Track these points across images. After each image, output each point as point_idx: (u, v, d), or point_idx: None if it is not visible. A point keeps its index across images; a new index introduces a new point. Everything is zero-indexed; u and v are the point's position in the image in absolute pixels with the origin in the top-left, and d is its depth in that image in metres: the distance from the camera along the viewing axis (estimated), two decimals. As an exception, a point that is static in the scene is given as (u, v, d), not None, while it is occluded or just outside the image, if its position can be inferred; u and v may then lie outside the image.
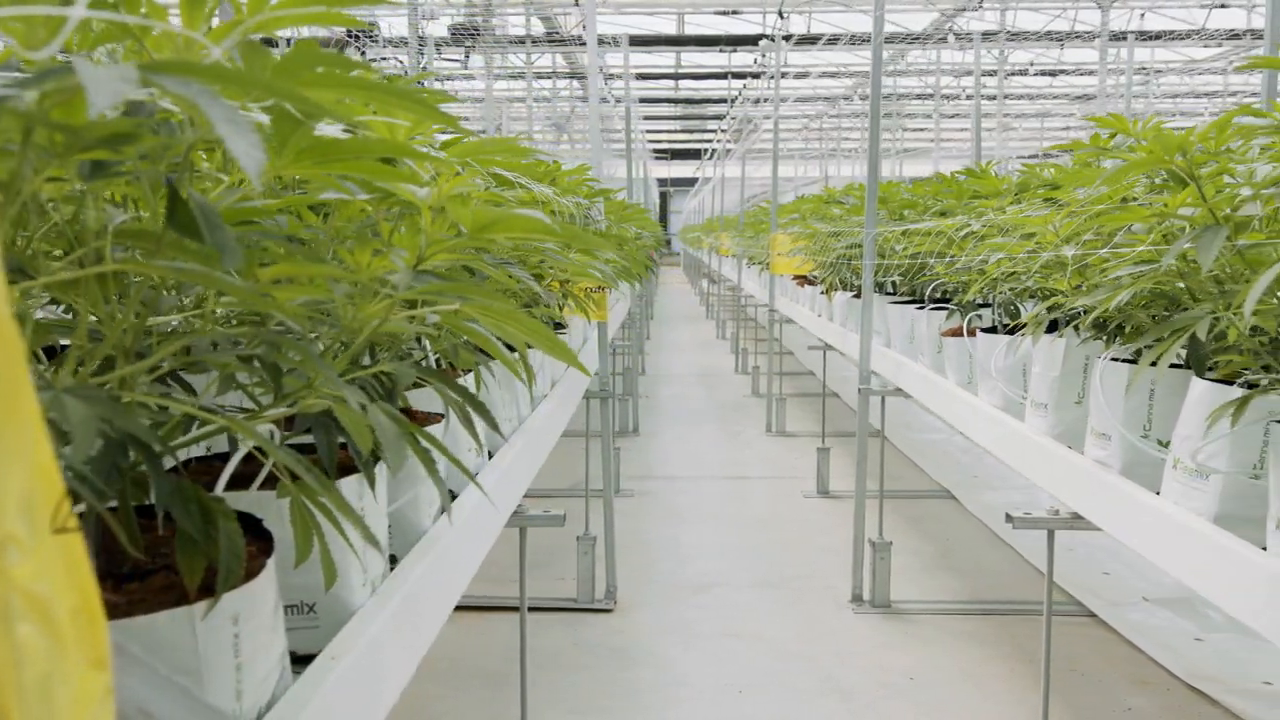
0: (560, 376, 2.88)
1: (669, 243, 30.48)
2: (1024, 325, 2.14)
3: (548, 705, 2.61)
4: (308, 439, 0.95)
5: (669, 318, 14.07)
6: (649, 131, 23.52)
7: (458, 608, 3.49)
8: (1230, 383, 1.47)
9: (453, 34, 8.19)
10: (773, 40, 8.12)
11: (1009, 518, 1.90)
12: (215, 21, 0.76)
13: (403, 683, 1.09)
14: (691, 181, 27.79)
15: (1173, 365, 1.83)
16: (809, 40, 9.67)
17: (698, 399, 7.21)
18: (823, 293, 4.72)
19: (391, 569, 1.24)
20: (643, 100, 18.69)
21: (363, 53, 8.25)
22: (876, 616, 3.18)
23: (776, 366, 6.30)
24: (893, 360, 3.23)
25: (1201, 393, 1.51)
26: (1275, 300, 1.24)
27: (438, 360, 1.76)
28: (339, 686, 0.93)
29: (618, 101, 12.75)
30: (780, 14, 8.69)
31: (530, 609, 3.26)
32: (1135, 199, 1.67)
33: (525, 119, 12.59)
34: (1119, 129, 1.58)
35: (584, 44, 8.96)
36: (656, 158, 25.64)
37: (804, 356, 8.12)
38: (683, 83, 17.80)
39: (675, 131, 23.73)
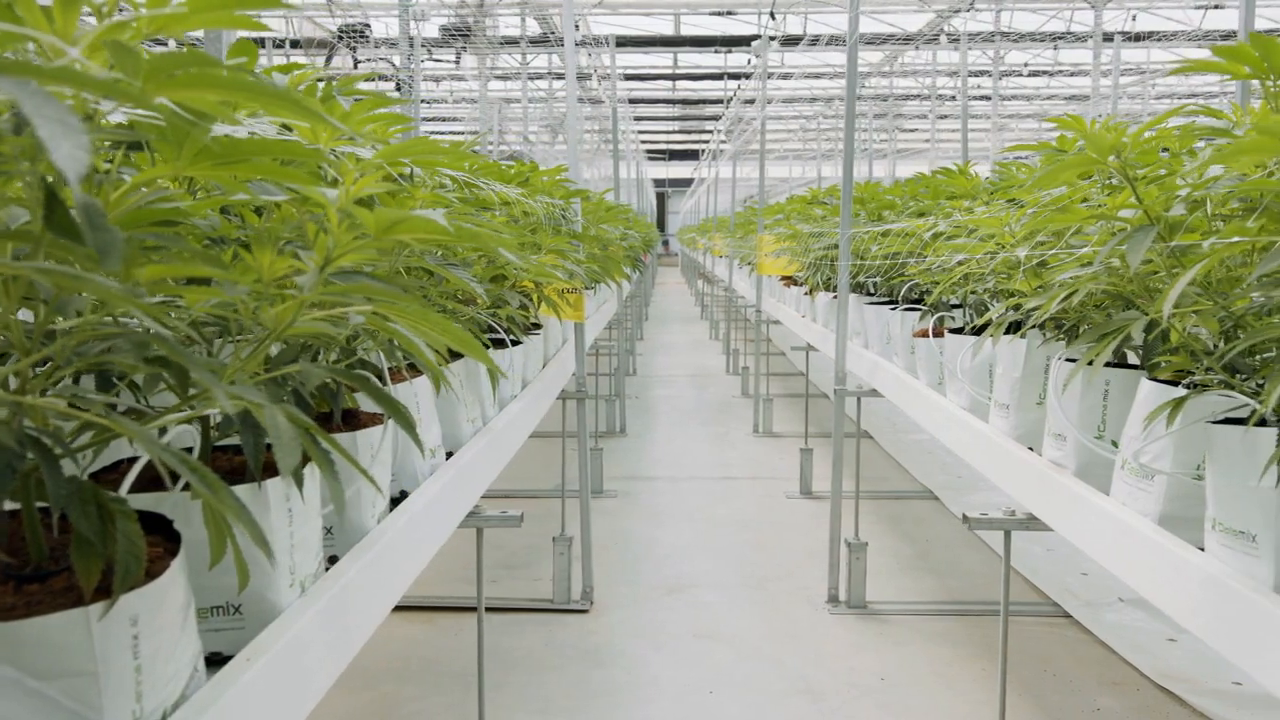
0: (534, 377, 2.88)
1: (667, 243, 30.48)
2: (1016, 325, 2.14)
3: (517, 705, 2.61)
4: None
5: (664, 318, 14.07)
6: (648, 132, 23.53)
7: (434, 608, 3.48)
8: (1178, 384, 1.47)
9: (444, 35, 8.19)
10: (765, 41, 8.12)
11: (965, 519, 1.90)
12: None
13: (328, 683, 1.09)
14: (690, 182, 27.79)
15: (1130, 366, 1.83)
16: (792, 40, 9.65)
17: (687, 400, 7.21)
18: (806, 293, 4.72)
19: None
20: (640, 101, 18.69)
21: (354, 53, 8.25)
22: (851, 617, 3.18)
23: (764, 367, 6.31)
24: (869, 361, 3.23)
25: (1148, 393, 1.51)
26: (1211, 302, 1.24)
27: (410, 363, 1.76)
28: (252, 687, 0.93)
29: (599, 102, 12.73)
30: (771, 15, 8.69)
31: (506, 609, 3.27)
32: (1088, 200, 1.67)
33: (521, 119, 12.59)
34: (1077, 130, 1.58)
35: (588, 44, 8.96)
36: (651, 158, 25.65)
37: (795, 357, 8.12)
38: (680, 83, 17.80)
39: (673, 132, 23.73)
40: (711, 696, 2.66)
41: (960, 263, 2.11)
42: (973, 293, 2.38)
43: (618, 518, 4.28)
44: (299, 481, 1.12)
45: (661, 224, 32.46)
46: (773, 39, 8.27)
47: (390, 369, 1.88)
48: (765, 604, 3.31)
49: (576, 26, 9.85)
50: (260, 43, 8.14)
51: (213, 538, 0.93)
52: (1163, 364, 1.40)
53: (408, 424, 1.00)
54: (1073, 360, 1.80)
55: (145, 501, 0.99)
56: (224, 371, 0.87)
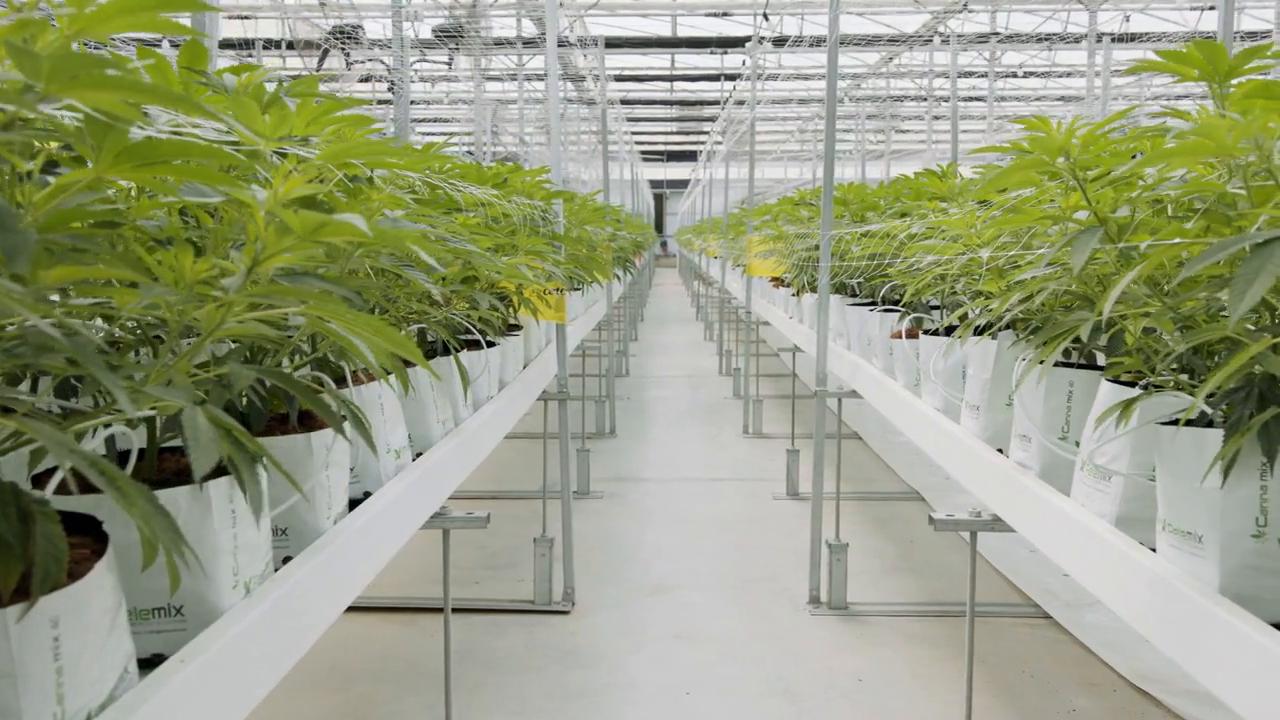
0: (514, 378, 2.88)
1: (665, 245, 30.48)
2: (987, 326, 2.14)
3: (494, 706, 2.61)
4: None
5: (660, 319, 14.07)
6: (646, 134, 23.53)
7: (416, 609, 3.47)
8: (1134, 384, 1.47)
9: (436, 35, 8.19)
10: (757, 42, 8.13)
11: (931, 519, 1.90)
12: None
13: (270, 683, 1.09)
14: (688, 183, 27.81)
15: (1098, 368, 1.83)
16: (784, 41, 9.65)
17: (678, 401, 7.21)
18: (793, 294, 4.72)
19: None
20: (639, 102, 18.69)
21: (347, 54, 8.25)
22: (832, 618, 3.18)
23: (755, 368, 6.31)
24: (850, 362, 3.23)
25: (1106, 394, 1.51)
26: (1160, 302, 1.24)
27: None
28: (184, 689, 0.93)
29: (594, 104, 12.74)
30: (765, 16, 8.70)
31: (487, 610, 3.27)
32: (1054, 200, 1.67)
33: (516, 121, 12.58)
34: (1044, 131, 1.58)
35: (574, 45, 8.96)
36: (646, 159, 25.63)
37: (785, 358, 8.11)
38: (678, 84, 17.80)
39: (671, 134, 23.73)
40: (689, 697, 2.66)
41: (932, 264, 2.11)
42: (951, 293, 2.38)
43: (603, 519, 4.28)
44: (243, 484, 1.13)
45: (660, 225, 32.46)
46: (763, 40, 8.27)
47: (359, 371, 1.88)
48: (747, 605, 3.31)
49: (570, 28, 9.86)
50: (249, 44, 8.14)
51: (144, 540, 0.93)
52: (1114, 365, 1.39)
53: (337, 424, 1.00)
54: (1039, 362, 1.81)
55: (82, 504, 0.99)
56: (152, 373, 0.88)
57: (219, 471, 1.10)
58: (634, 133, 23.04)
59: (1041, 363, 1.34)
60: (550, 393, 3.28)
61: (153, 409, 0.91)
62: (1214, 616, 1.11)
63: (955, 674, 2.77)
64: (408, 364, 2.10)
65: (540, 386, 3.23)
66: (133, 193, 1.05)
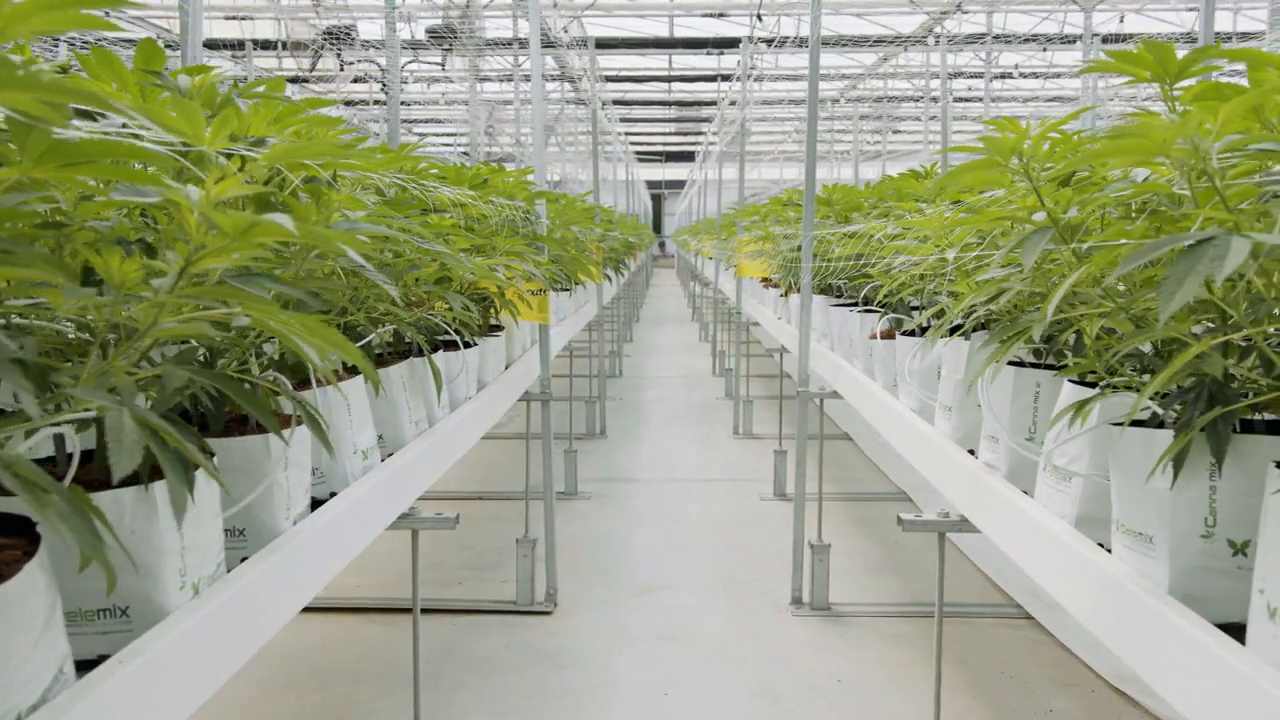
0: (494, 379, 2.88)
1: (663, 245, 30.48)
2: (957, 328, 2.14)
3: (473, 707, 2.61)
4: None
5: (657, 320, 14.07)
6: (645, 134, 23.53)
7: (398, 610, 3.47)
8: (1096, 385, 1.47)
9: (430, 36, 8.20)
10: (748, 42, 8.13)
11: (900, 520, 1.90)
12: None
13: (214, 686, 1.09)
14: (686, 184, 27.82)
15: (1064, 368, 1.83)
16: (771, 42, 9.65)
17: (671, 401, 7.21)
18: (781, 295, 4.72)
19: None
20: (636, 103, 18.69)
21: (339, 55, 8.27)
22: (814, 619, 3.18)
23: (747, 369, 6.31)
24: (832, 363, 3.23)
25: (1068, 395, 1.51)
26: (1114, 303, 1.24)
27: (350, 365, 1.75)
28: (120, 691, 0.93)
29: (586, 104, 12.74)
30: (758, 16, 8.70)
31: (469, 611, 3.27)
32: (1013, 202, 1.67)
33: (513, 121, 12.58)
34: (1012, 131, 1.58)
35: (564, 46, 8.96)
36: (645, 160, 25.62)
37: (779, 358, 8.11)
38: (676, 85, 17.80)
39: (670, 134, 23.73)
40: (667, 698, 2.66)
41: (904, 265, 2.11)
42: (934, 295, 2.38)
43: (590, 519, 4.28)
44: (190, 485, 1.13)
45: (658, 226, 32.48)
46: (755, 41, 8.27)
47: (337, 372, 1.88)
48: (731, 606, 3.31)
49: (565, 29, 9.86)
50: (240, 45, 8.14)
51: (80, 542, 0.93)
52: (1072, 366, 1.39)
53: (274, 425, 1.00)
54: (1007, 363, 1.80)
55: (14, 504, 0.99)
56: (84, 376, 0.88)
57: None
58: (633, 134, 23.06)
59: (996, 362, 1.34)
60: (533, 393, 3.28)
61: (87, 410, 0.91)
62: (1162, 617, 1.11)
63: (933, 674, 2.76)
64: (381, 363, 2.11)
65: (523, 387, 3.23)
66: (97, 196, 1.05)
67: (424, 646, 2.99)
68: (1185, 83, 1.18)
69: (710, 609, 3.28)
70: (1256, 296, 0.98)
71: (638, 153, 25.57)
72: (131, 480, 1.13)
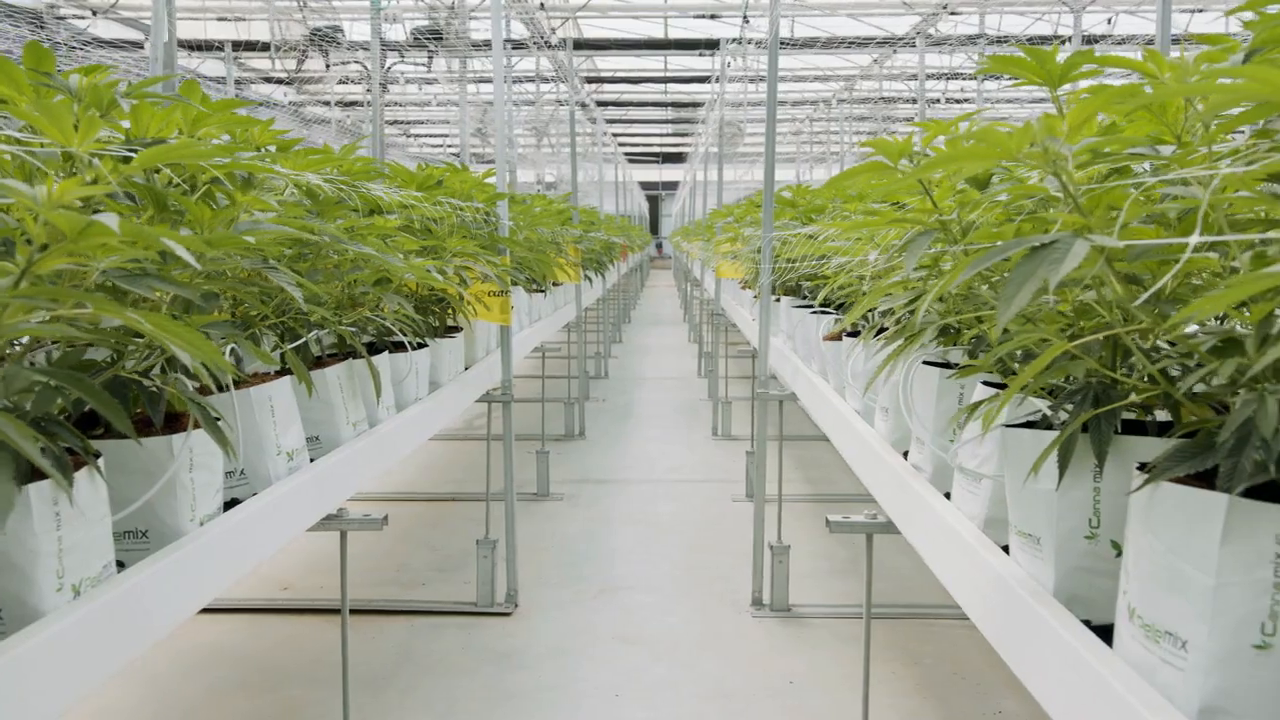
0: (450, 380, 2.88)
1: (660, 247, 30.49)
2: (881, 330, 2.14)
3: (422, 709, 2.61)
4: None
5: (648, 321, 14.07)
6: (641, 135, 23.53)
7: (365, 612, 3.46)
8: (1004, 386, 1.47)
9: (415, 37, 8.20)
10: (730, 43, 8.14)
11: (828, 522, 1.90)
12: None
13: (88, 687, 1.09)
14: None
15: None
16: (755, 43, 9.65)
17: (654, 403, 7.21)
18: (754, 296, 4.72)
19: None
20: (632, 104, 18.69)
21: (326, 55, 8.27)
22: (773, 620, 3.18)
23: (728, 370, 6.31)
24: (792, 364, 3.23)
25: (981, 396, 1.51)
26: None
27: (284, 367, 1.76)
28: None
29: (582, 105, 12.74)
30: (745, 18, 8.70)
31: (428, 613, 3.27)
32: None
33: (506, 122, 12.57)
34: (939, 132, 1.58)
35: (549, 46, 8.96)
36: (642, 161, 25.62)
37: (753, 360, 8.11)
38: (672, 86, 17.80)
39: (666, 135, 23.73)
40: (618, 700, 2.66)
41: (840, 266, 2.11)
42: (862, 295, 2.38)
43: (559, 521, 4.28)
44: (69, 485, 1.13)
45: (655, 227, 32.48)
46: (742, 42, 8.27)
47: (259, 374, 1.88)
48: (692, 607, 3.31)
49: (554, 30, 9.84)
50: (226, 45, 8.15)
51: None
52: (968, 367, 1.39)
53: (130, 430, 1.00)
54: (930, 364, 1.80)
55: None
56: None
57: (42, 474, 1.10)
58: (630, 135, 23.07)
59: (893, 363, 1.34)
60: (492, 395, 3.28)
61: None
62: (1039, 618, 1.11)
63: (888, 675, 2.77)
64: (319, 365, 2.11)
65: (483, 388, 3.24)
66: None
67: (381, 647, 3.00)
68: (1085, 83, 1.18)
69: (672, 610, 3.28)
70: (1120, 299, 0.98)
71: (635, 154, 25.59)
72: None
